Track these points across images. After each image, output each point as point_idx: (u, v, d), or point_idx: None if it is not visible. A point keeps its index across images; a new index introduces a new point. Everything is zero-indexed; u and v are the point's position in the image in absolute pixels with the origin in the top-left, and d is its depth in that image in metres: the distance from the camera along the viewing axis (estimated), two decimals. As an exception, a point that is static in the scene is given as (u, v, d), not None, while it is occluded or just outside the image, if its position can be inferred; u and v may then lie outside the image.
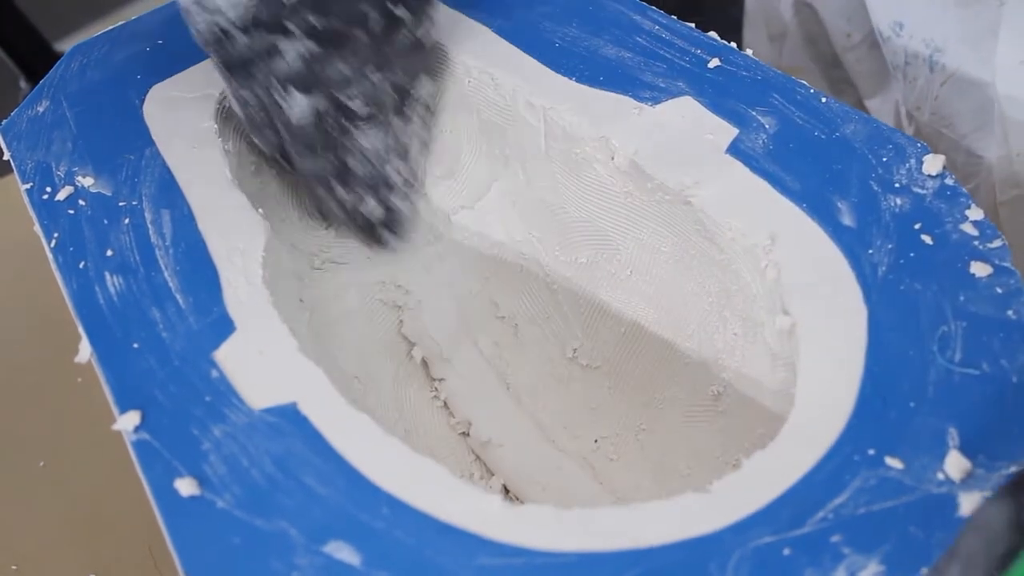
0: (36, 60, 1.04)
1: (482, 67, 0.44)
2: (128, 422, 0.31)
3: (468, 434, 0.45)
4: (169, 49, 0.47)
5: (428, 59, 0.42)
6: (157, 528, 0.29)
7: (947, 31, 0.49)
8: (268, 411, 0.31)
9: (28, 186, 0.41)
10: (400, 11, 0.38)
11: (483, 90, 0.45)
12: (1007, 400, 0.28)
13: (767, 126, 0.38)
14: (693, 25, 0.44)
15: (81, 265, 0.37)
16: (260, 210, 0.39)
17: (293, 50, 0.37)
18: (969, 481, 0.26)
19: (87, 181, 0.40)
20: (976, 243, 0.32)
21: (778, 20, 0.67)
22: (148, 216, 0.38)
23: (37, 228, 0.39)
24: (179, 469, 0.29)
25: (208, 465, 0.29)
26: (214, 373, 0.32)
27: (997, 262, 0.31)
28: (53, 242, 0.38)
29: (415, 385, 0.46)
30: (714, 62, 0.41)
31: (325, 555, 0.27)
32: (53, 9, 1.14)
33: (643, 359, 0.43)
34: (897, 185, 0.35)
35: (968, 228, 0.33)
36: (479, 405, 0.46)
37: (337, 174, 0.43)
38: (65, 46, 0.77)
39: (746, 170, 0.37)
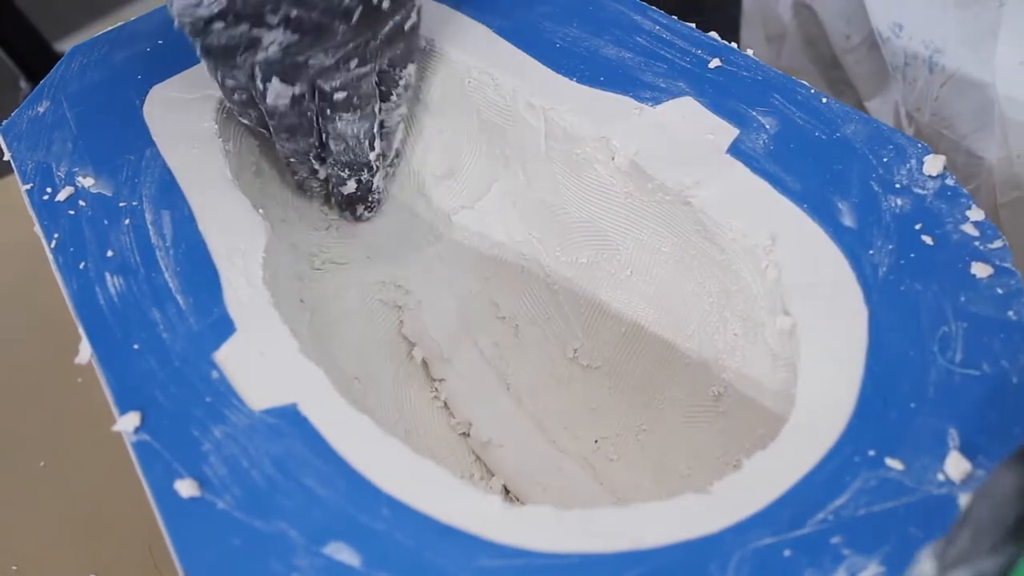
0: (36, 60, 1.04)
1: (482, 67, 0.44)
2: (128, 423, 0.31)
3: (468, 434, 0.45)
4: (169, 49, 0.47)
5: (412, 45, 0.42)
6: (157, 528, 0.29)
7: (947, 32, 0.49)
8: (268, 412, 0.31)
9: (28, 187, 0.41)
10: (384, 2, 0.38)
11: (483, 90, 0.45)
12: (1007, 401, 0.28)
13: (768, 126, 0.38)
14: (693, 25, 0.44)
15: (81, 266, 0.37)
16: (260, 211, 0.39)
17: (273, 40, 0.37)
18: (969, 482, 0.26)
19: (87, 182, 0.40)
20: (977, 244, 0.32)
21: (776, 21, 0.67)
22: (148, 217, 0.38)
23: (37, 229, 0.39)
24: (179, 470, 0.29)
25: (208, 466, 0.29)
26: (214, 374, 0.32)
27: (998, 263, 0.31)
28: (53, 243, 0.38)
29: (415, 385, 0.46)
30: (715, 62, 0.41)
31: (325, 556, 0.27)
32: (53, 9, 1.15)
33: (643, 359, 0.43)
34: (898, 185, 0.35)
35: (969, 229, 0.33)
36: (479, 405, 0.46)
37: (317, 154, 0.43)
38: (65, 46, 0.77)
39: (747, 170, 0.37)
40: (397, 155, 0.47)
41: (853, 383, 0.29)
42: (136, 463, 0.30)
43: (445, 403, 0.46)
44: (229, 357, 0.33)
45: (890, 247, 0.33)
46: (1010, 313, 0.30)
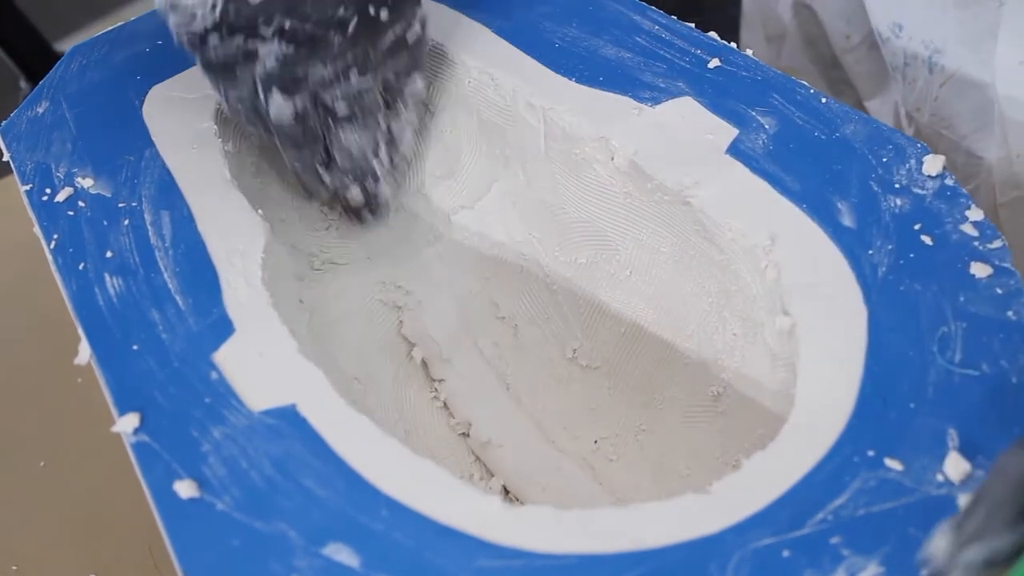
0: (36, 60, 1.04)
1: (482, 67, 0.44)
2: (127, 424, 0.31)
3: (468, 435, 0.45)
4: (169, 50, 0.47)
5: (418, 57, 0.42)
6: (157, 529, 0.29)
7: (946, 32, 0.49)
8: (267, 413, 0.31)
9: (28, 187, 0.41)
10: (381, 13, 0.38)
11: (483, 90, 0.45)
12: (1007, 401, 0.28)
13: (767, 126, 0.38)
14: (693, 25, 0.44)
15: (81, 266, 0.37)
16: (260, 211, 0.39)
17: (269, 53, 0.37)
18: (968, 483, 0.26)
19: (87, 182, 0.40)
20: (976, 244, 0.32)
21: (776, 21, 0.67)
22: (148, 217, 0.38)
23: (37, 229, 0.39)
24: (178, 471, 0.29)
25: (207, 467, 0.29)
26: (213, 375, 0.32)
27: (997, 263, 0.31)
28: (53, 243, 0.38)
29: (415, 386, 0.46)
30: (714, 62, 0.41)
31: (324, 557, 0.27)
32: (53, 9, 1.14)
33: (643, 359, 0.43)
34: (897, 186, 0.35)
35: (968, 229, 0.33)
36: (479, 406, 0.46)
37: (322, 161, 0.43)
38: (65, 46, 0.77)
39: (746, 170, 0.37)
40: (407, 164, 0.47)
41: (852, 383, 0.29)
42: (135, 464, 0.30)
43: (445, 403, 0.46)
44: (228, 358, 0.33)
45: (889, 247, 0.33)
46: (1009, 313, 0.30)
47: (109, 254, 0.37)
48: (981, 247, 0.32)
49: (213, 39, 0.36)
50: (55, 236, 0.38)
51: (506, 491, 0.43)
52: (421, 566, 0.26)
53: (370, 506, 0.28)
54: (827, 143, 0.37)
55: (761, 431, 0.37)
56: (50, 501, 0.48)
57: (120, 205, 0.39)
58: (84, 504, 0.47)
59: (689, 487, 0.28)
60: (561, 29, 0.45)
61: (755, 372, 0.38)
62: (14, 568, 0.45)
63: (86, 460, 0.49)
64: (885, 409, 0.28)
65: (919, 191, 0.34)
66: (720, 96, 0.40)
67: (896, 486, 0.26)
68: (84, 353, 0.34)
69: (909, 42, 0.52)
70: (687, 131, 0.39)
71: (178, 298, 0.35)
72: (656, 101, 0.40)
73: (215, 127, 0.42)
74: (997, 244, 0.32)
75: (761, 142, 0.37)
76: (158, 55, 0.47)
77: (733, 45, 0.42)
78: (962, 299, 0.31)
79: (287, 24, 0.36)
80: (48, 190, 0.40)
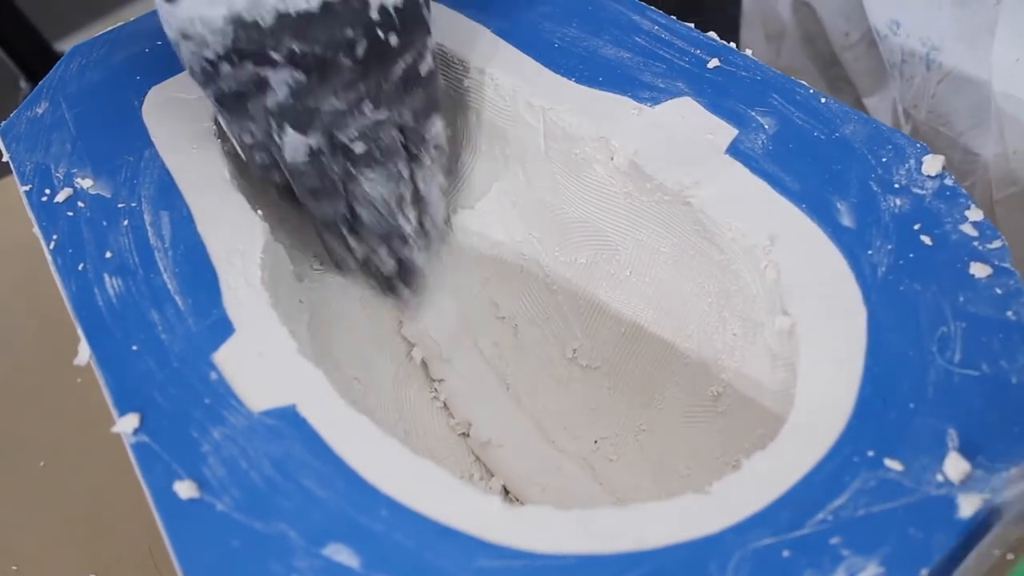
0: (36, 60, 1.04)
1: (482, 67, 0.44)
2: (127, 424, 0.31)
3: (468, 435, 0.45)
4: (168, 50, 0.46)
5: (433, 94, 0.41)
6: (157, 529, 0.29)
7: (944, 29, 0.49)
8: (267, 413, 0.31)
9: (27, 188, 0.41)
10: (390, 37, 0.37)
11: (483, 90, 0.45)
12: (1007, 401, 0.28)
13: (767, 126, 0.38)
14: (692, 25, 0.44)
15: (80, 267, 0.37)
16: (259, 211, 0.39)
17: (280, 80, 0.36)
18: (968, 483, 0.26)
19: (86, 183, 0.40)
20: (976, 244, 0.32)
21: (776, 19, 0.67)
22: (147, 218, 0.38)
23: (36, 230, 0.39)
24: (178, 472, 0.29)
25: (207, 467, 0.29)
26: (213, 375, 0.32)
27: (997, 263, 0.31)
28: (52, 244, 0.38)
29: (415, 386, 0.46)
30: (713, 62, 0.41)
31: (324, 558, 0.27)
32: (53, 9, 1.14)
33: (643, 359, 0.43)
34: (896, 186, 0.35)
35: (968, 229, 0.33)
36: (479, 406, 0.46)
37: (346, 221, 0.42)
38: (65, 46, 0.76)
39: (745, 170, 0.37)
40: (441, 236, 0.45)
41: (852, 383, 0.29)
42: (135, 464, 0.30)
43: (444, 403, 0.46)
44: (228, 358, 0.33)
45: (889, 247, 0.33)
46: (1009, 313, 0.30)
47: (109, 254, 0.37)
48: (981, 247, 0.32)
49: (224, 68, 0.36)
50: (55, 236, 0.38)
51: (506, 491, 0.43)
52: (421, 566, 0.26)
53: (370, 506, 0.28)
54: (827, 143, 0.37)
55: (761, 431, 0.37)
56: (50, 501, 0.48)
57: (119, 205, 0.39)
58: (84, 504, 0.47)
59: (689, 487, 0.28)
60: (561, 29, 0.45)
61: (755, 372, 0.38)
62: (14, 568, 0.45)
63: (86, 460, 0.49)
64: (885, 409, 0.28)
65: (919, 191, 0.34)
66: (720, 96, 0.40)
67: (896, 486, 0.26)
68: (84, 353, 0.34)
69: (907, 39, 0.52)
70: (687, 131, 0.39)
71: (178, 298, 0.35)
72: (656, 101, 0.40)
73: (214, 127, 0.42)
74: (997, 244, 0.32)
75: (761, 142, 0.37)
76: (158, 55, 0.47)
77: (733, 45, 0.42)
78: (962, 299, 0.31)
79: (296, 47, 0.35)
80: (47, 190, 0.40)
